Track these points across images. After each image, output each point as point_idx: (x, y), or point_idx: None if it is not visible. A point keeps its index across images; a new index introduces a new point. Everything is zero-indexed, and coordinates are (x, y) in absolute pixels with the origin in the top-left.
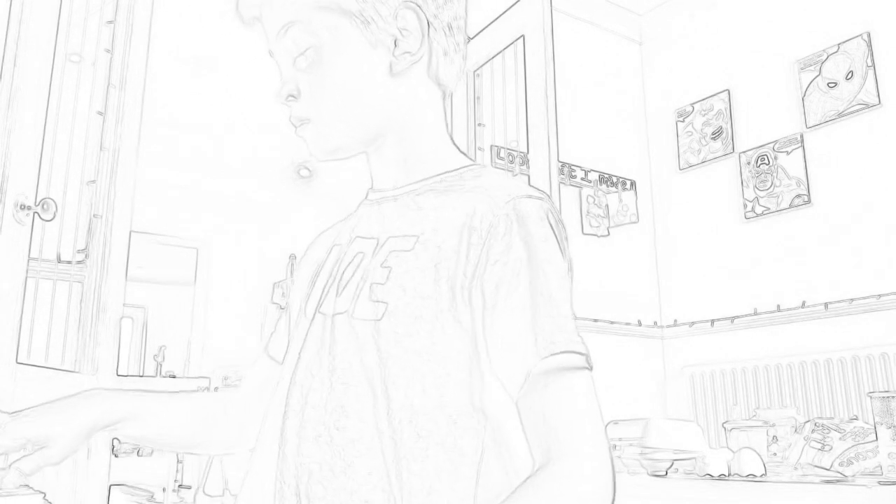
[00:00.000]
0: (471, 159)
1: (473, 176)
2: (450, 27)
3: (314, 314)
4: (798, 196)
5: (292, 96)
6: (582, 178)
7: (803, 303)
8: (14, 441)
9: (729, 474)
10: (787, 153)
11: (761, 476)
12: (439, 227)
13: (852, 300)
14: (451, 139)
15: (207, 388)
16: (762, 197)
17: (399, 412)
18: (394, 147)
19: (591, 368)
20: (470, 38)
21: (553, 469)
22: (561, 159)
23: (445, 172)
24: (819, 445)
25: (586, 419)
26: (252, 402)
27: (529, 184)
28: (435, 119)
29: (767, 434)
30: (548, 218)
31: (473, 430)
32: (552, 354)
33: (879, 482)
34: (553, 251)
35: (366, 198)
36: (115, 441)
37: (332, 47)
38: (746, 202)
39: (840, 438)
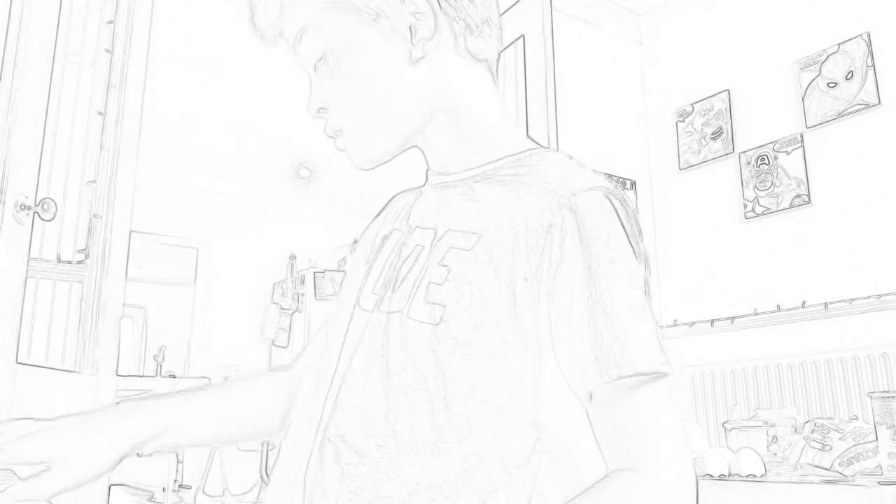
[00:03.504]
0: (535, 141)
1: (535, 163)
2: (471, 0)
3: (374, 309)
4: (798, 196)
5: (323, 109)
6: None
7: (803, 303)
8: (9, 457)
9: (729, 474)
10: (787, 153)
11: (761, 476)
12: (500, 225)
13: (852, 300)
14: (507, 117)
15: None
16: (762, 197)
17: (457, 422)
18: (441, 134)
19: (667, 374)
20: None
21: (627, 480)
22: None
23: (506, 157)
24: (819, 445)
25: (660, 433)
26: (303, 381)
27: None
28: (482, 97)
29: (767, 434)
30: (616, 212)
31: (534, 438)
32: (614, 380)
33: (879, 482)
34: (619, 252)
35: (427, 180)
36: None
37: (347, 48)
38: (746, 202)
39: (840, 438)
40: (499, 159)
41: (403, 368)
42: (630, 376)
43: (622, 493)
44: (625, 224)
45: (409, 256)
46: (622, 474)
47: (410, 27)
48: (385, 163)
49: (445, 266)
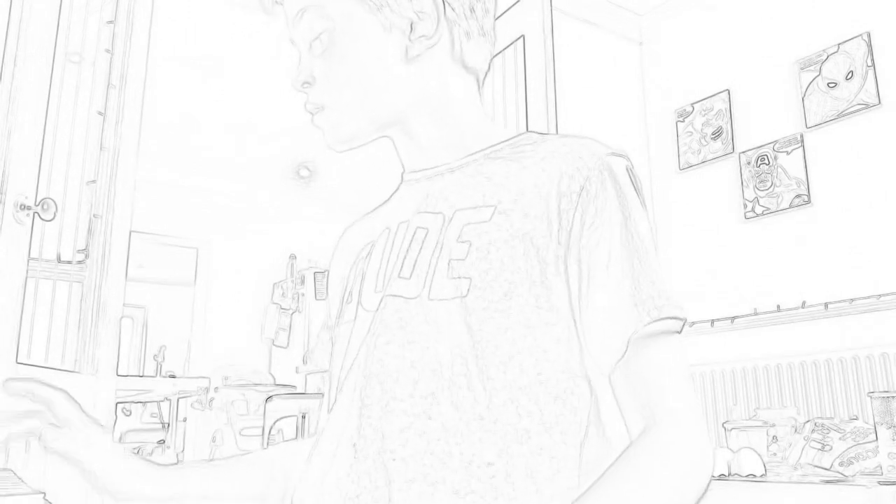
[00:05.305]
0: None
1: (537, 141)
2: (472, 9)
3: (379, 302)
4: (798, 196)
5: (307, 83)
6: None
7: (803, 303)
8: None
9: (729, 474)
10: (787, 153)
11: (761, 476)
12: (522, 194)
13: (852, 300)
14: (493, 122)
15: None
16: (762, 197)
17: (501, 392)
18: (429, 128)
19: (684, 321)
20: None
21: (657, 436)
22: None
23: (501, 142)
24: (819, 445)
25: (685, 385)
26: None
27: None
28: (469, 100)
29: (767, 434)
30: (630, 176)
31: (574, 407)
32: (654, 321)
33: (879, 482)
34: (641, 210)
35: (402, 181)
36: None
37: (346, 31)
38: (746, 202)
39: (840, 438)
40: (494, 144)
41: (434, 351)
42: (665, 318)
43: (649, 452)
44: (637, 189)
45: (412, 242)
46: (648, 434)
47: (411, 24)
48: (355, 147)
49: (465, 241)
